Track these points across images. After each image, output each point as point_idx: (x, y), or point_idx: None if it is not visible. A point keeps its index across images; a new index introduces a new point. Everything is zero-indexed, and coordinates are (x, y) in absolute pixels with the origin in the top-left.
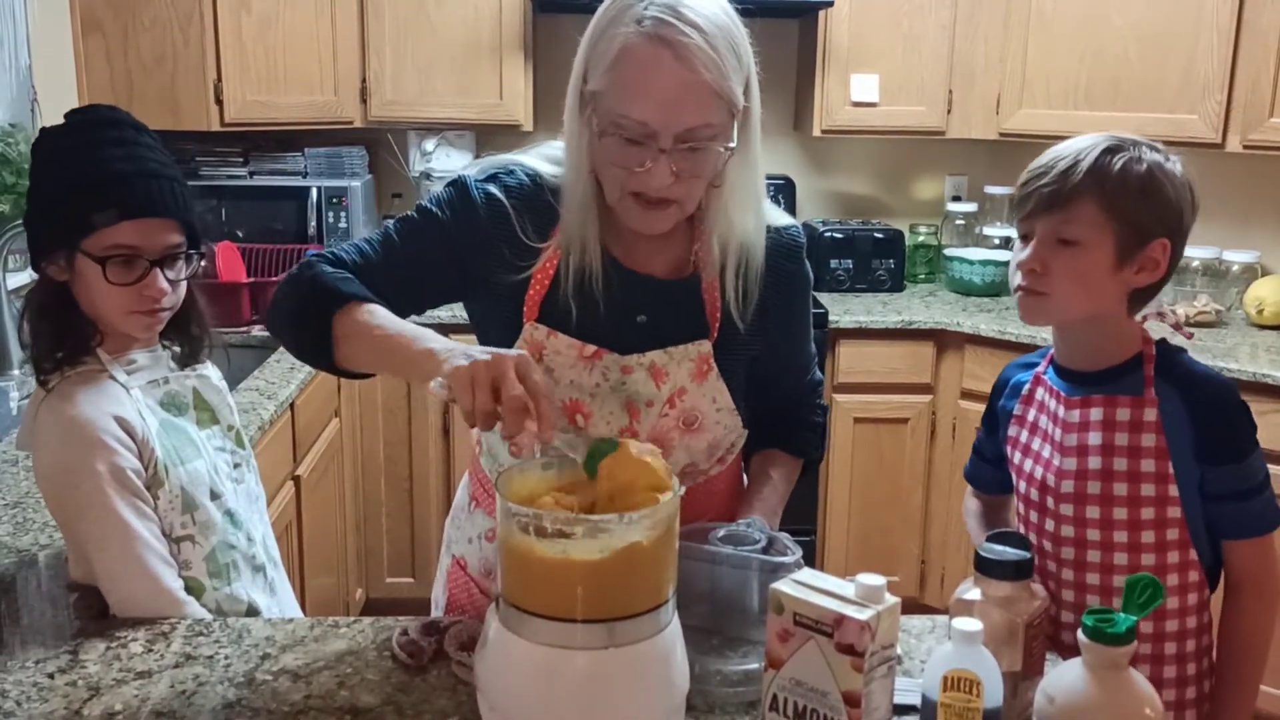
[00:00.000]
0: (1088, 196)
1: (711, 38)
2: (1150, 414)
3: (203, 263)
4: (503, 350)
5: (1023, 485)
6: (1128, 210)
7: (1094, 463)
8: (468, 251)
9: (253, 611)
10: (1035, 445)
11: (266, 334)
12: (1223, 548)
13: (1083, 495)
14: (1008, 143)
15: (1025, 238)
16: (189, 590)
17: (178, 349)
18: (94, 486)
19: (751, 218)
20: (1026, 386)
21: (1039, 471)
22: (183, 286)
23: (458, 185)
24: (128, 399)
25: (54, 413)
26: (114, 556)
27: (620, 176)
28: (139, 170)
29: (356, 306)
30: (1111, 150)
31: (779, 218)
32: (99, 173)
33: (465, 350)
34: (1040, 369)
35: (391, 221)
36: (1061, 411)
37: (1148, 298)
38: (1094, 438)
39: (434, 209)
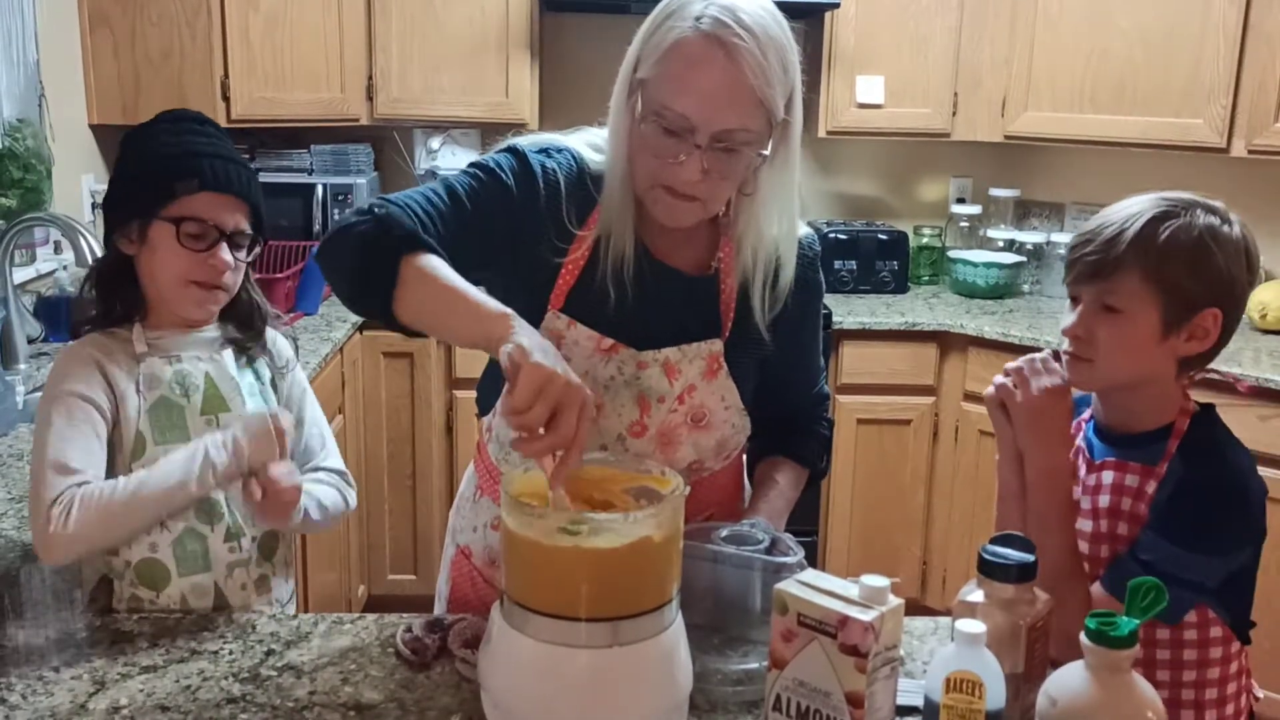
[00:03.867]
0: (1131, 267)
1: (764, 46)
2: (1152, 486)
3: (265, 245)
4: (579, 382)
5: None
6: (1172, 281)
7: (1103, 525)
8: (523, 221)
9: (222, 605)
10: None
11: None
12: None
13: (1096, 558)
14: (1013, 145)
15: (1074, 300)
16: (153, 579)
17: (227, 332)
18: (49, 408)
19: (784, 230)
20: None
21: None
22: (241, 270)
23: (515, 153)
24: (130, 365)
25: (68, 347)
26: (31, 479)
27: (652, 166)
28: (218, 152)
29: (427, 255)
30: (1160, 218)
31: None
32: (182, 150)
33: (545, 346)
34: (1085, 416)
35: (454, 176)
36: (1083, 472)
37: (1201, 364)
38: (1103, 500)
39: (498, 171)
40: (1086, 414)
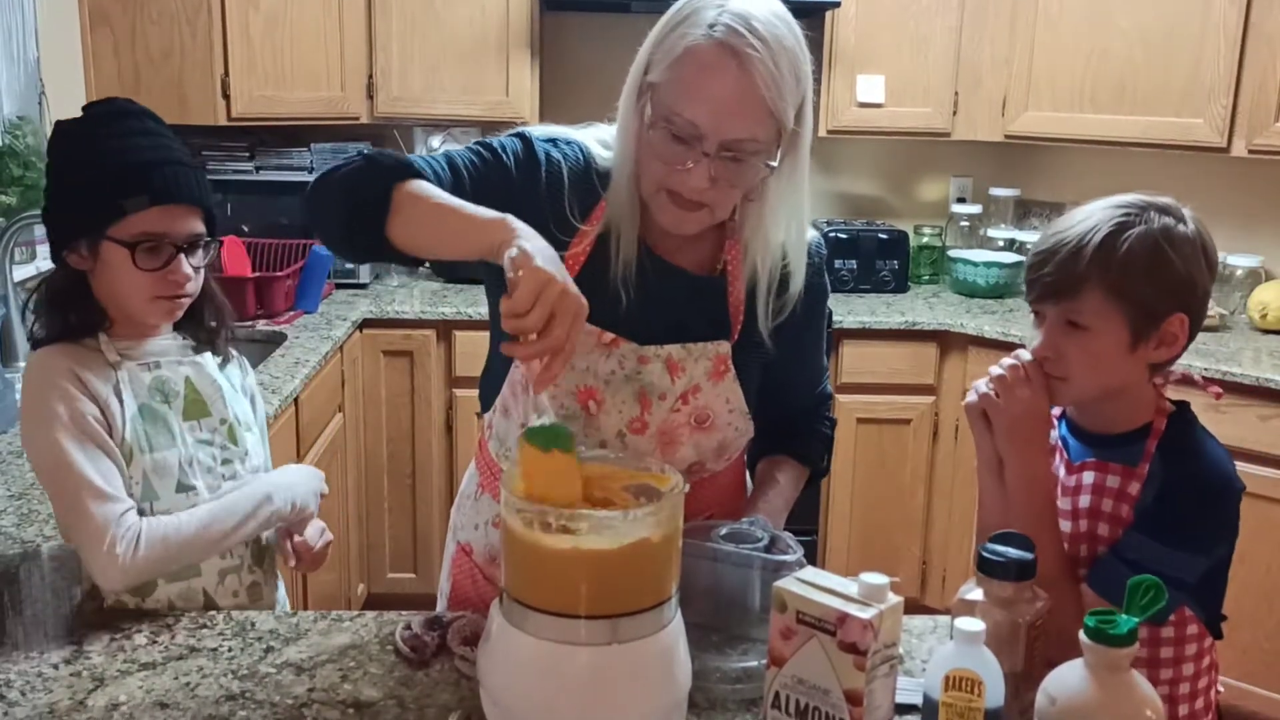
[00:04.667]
0: (1092, 284)
1: (777, 55)
2: (1134, 487)
3: (221, 250)
4: (576, 290)
5: None
6: (1135, 293)
7: (1083, 525)
8: (520, 205)
9: (210, 607)
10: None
11: (271, 328)
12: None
13: (1075, 558)
14: (1013, 145)
15: (1038, 315)
16: (140, 588)
17: (192, 341)
18: (52, 431)
19: (793, 238)
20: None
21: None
22: (201, 274)
23: (523, 139)
24: (106, 372)
25: (36, 361)
26: (65, 507)
27: (659, 171)
28: (166, 158)
29: (417, 180)
30: (1116, 230)
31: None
32: (128, 160)
33: (546, 251)
34: (1055, 412)
35: (456, 150)
36: (1062, 473)
37: (1170, 364)
38: (1084, 500)
39: (501, 153)
40: (1056, 410)
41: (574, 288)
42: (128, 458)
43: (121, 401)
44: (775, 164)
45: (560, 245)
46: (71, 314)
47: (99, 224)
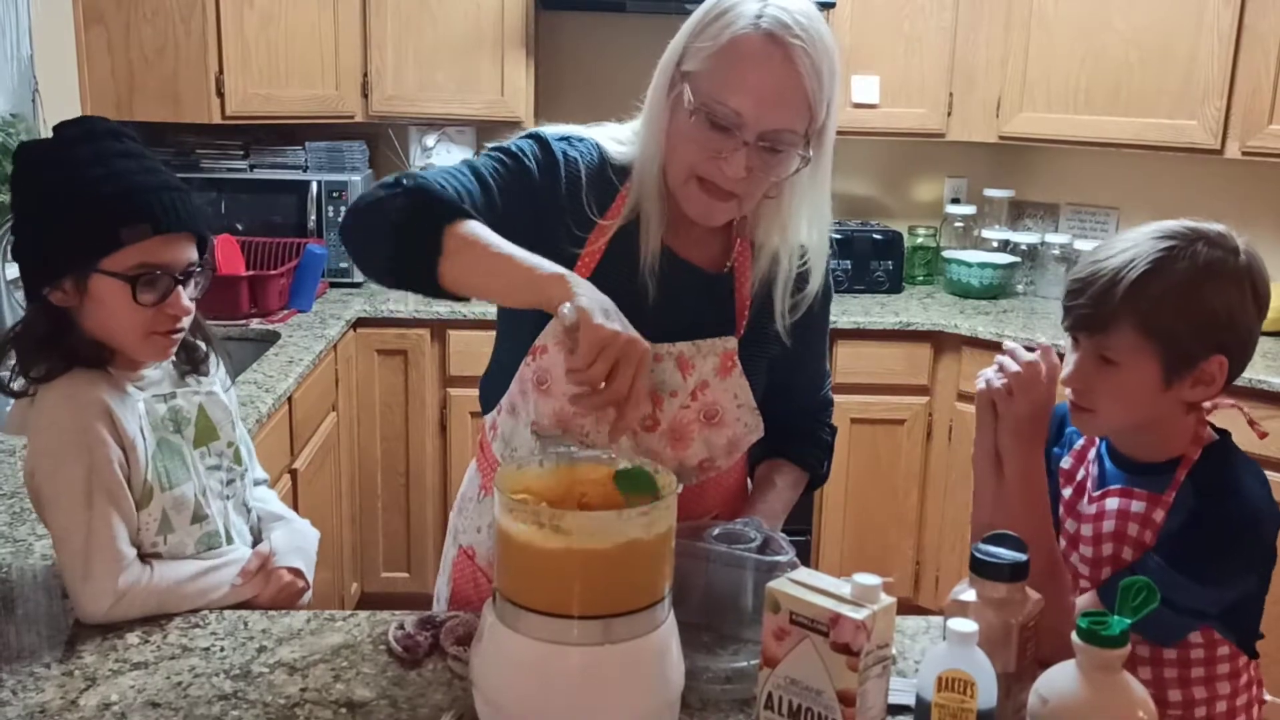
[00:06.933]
0: (1125, 321)
1: (818, 50)
2: (1159, 514)
3: (213, 275)
4: (638, 336)
5: (1072, 554)
6: (1169, 334)
7: (1106, 550)
8: (544, 208)
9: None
10: (1080, 507)
11: (265, 327)
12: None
13: (1097, 582)
14: (1007, 146)
15: (1074, 339)
16: None
17: (175, 358)
18: (73, 478)
19: (815, 239)
20: (1080, 442)
21: (1075, 553)
22: (193, 305)
23: (539, 140)
24: (134, 405)
25: (65, 390)
26: (68, 551)
27: (694, 159)
28: (161, 183)
29: (468, 221)
30: (1155, 267)
31: None
32: (123, 186)
33: (602, 303)
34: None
35: (480, 158)
36: (1084, 501)
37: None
38: (1107, 525)
39: (522, 156)
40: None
41: (634, 334)
42: (147, 496)
43: (144, 439)
44: (810, 156)
45: (578, 243)
46: (73, 358)
47: (91, 256)
